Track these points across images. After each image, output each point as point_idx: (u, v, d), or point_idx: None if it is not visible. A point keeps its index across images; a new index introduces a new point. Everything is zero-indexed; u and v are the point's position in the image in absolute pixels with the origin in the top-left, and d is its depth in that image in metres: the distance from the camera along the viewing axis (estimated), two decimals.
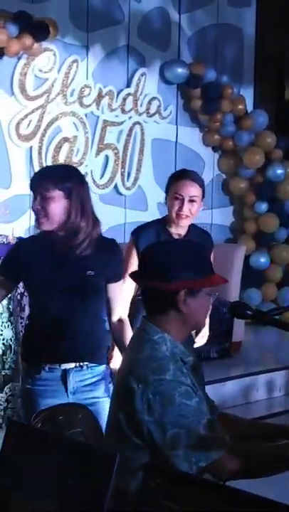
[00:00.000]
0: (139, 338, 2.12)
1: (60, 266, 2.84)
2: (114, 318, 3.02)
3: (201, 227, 3.77)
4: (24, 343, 3.11)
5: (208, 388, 4.93)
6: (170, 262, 2.05)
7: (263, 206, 7.90)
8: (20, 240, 4.12)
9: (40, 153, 6.61)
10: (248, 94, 8.21)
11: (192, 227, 3.65)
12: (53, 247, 2.86)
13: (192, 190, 3.53)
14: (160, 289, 2.04)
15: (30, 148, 6.59)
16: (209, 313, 2.27)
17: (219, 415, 2.27)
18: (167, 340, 2.06)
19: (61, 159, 6.68)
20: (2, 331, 4.36)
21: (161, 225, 3.62)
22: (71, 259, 2.84)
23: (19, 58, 6.35)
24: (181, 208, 3.50)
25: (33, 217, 2.89)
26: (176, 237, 3.54)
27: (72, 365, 2.85)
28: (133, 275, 2.22)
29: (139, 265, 2.20)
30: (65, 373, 2.85)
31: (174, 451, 1.91)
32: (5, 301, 4.19)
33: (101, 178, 7.11)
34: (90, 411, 2.41)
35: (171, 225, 3.58)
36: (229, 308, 5.15)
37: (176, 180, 3.58)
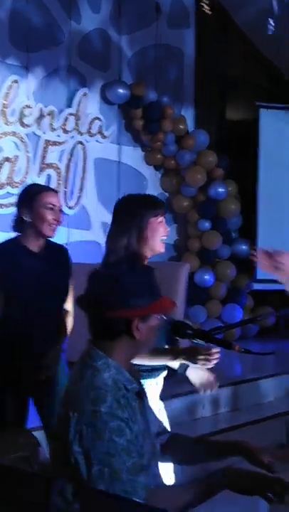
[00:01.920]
0: (83, 363, 2.08)
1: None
2: None
3: (57, 243, 3.66)
4: None
5: None
6: (121, 289, 2.02)
7: (206, 224, 7.99)
8: None
9: None
10: (188, 114, 8.31)
11: (48, 243, 3.54)
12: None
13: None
14: (112, 317, 2.02)
15: None
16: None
17: (171, 436, 2.27)
18: (111, 367, 2.03)
19: (2, 179, 6.63)
20: None
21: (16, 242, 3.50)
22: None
23: None
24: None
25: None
26: (34, 250, 3.45)
27: None
28: (79, 301, 2.14)
29: (87, 291, 2.12)
30: None
31: (96, 486, 1.90)
32: None
33: None
34: (34, 437, 2.38)
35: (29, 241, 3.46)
36: (171, 328, 5.17)
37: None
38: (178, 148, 7.91)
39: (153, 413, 2.25)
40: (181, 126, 7.89)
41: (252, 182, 8.40)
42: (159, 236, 2.95)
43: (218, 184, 8.02)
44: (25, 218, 3.40)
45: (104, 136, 7.56)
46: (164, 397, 5.23)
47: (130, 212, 2.93)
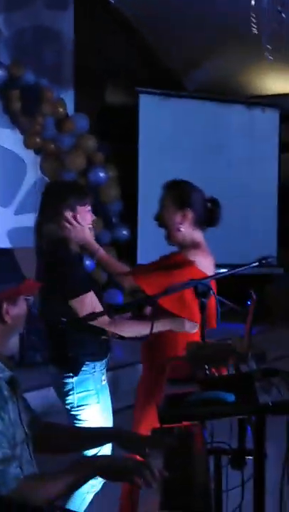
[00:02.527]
0: None
1: None
2: None
3: None
4: None
5: (34, 394, 4.95)
6: None
7: None
8: None
9: None
10: (68, 97, 8.22)
11: None
12: None
13: None
14: None
15: None
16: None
17: (44, 425, 2.25)
18: None
19: None
20: None
21: None
22: None
23: None
24: None
25: None
26: None
27: None
28: None
29: None
30: None
31: None
32: None
33: None
34: None
35: None
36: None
37: None
38: (57, 132, 7.81)
39: (26, 401, 2.22)
40: (60, 110, 7.80)
41: (132, 167, 8.44)
42: (87, 224, 3.03)
43: (99, 169, 8.00)
44: None
45: None
46: (43, 384, 5.20)
47: (59, 200, 2.99)
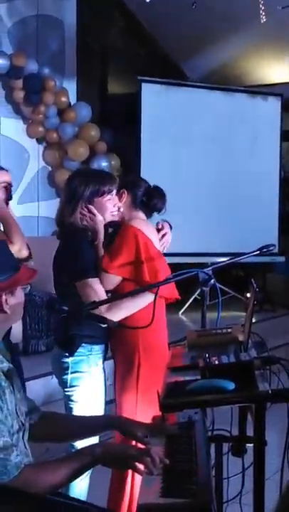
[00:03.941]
0: None
1: None
2: None
3: None
4: None
5: (36, 382, 4.98)
6: None
7: None
8: None
9: None
10: (70, 86, 8.22)
11: None
12: None
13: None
14: None
15: None
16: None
17: (44, 414, 2.27)
18: None
19: None
20: None
21: None
22: None
23: None
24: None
25: None
26: None
27: None
28: None
29: None
30: None
31: None
32: None
33: None
34: None
35: None
36: (45, 305, 5.17)
37: None
38: (60, 121, 7.82)
39: (23, 392, 2.24)
40: (63, 99, 7.80)
41: (134, 156, 8.44)
42: (108, 212, 3.14)
43: (101, 158, 8.01)
44: None
45: None
46: (45, 373, 5.21)
47: (76, 191, 3.11)
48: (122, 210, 3.23)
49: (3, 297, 2.06)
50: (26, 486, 1.91)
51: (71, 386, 3.08)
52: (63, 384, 3.11)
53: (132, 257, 3.09)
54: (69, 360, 3.06)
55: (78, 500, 2.60)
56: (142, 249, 3.10)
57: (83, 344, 3.04)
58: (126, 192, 3.26)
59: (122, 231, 3.15)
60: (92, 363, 3.09)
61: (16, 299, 2.11)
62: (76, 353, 3.04)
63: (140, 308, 3.07)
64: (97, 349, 3.11)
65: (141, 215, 3.30)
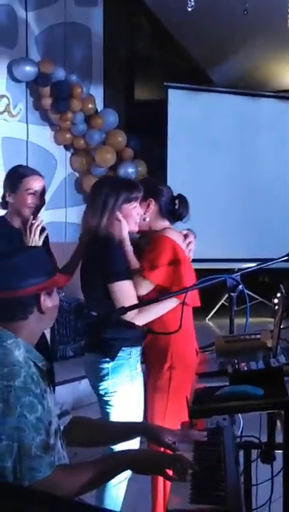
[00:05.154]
0: None
1: None
2: None
3: None
4: None
5: (64, 387, 5.01)
6: (21, 270, 2.06)
7: None
8: None
9: None
10: (97, 93, 8.27)
11: None
12: None
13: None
14: (20, 296, 2.05)
15: None
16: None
17: (73, 419, 2.28)
18: (21, 345, 2.04)
19: None
20: None
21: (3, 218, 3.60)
22: None
23: None
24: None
25: None
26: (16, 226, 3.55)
27: None
28: None
29: None
30: None
31: (3, 462, 1.90)
32: None
33: None
34: None
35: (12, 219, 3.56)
36: (74, 310, 5.18)
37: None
38: (87, 128, 7.86)
39: (54, 395, 2.27)
40: (90, 106, 7.84)
41: (161, 162, 8.46)
42: (132, 219, 3.12)
43: (128, 164, 8.03)
44: (7, 200, 3.50)
45: (11, 115, 7.42)
46: (73, 378, 5.22)
47: (107, 195, 3.09)
48: (147, 219, 3.23)
49: (42, 297, 2.09)
50: (57, 485, 1.92)
51: (112, 392, 3.03)
52: (102, 390, 3.05)
53: (171, 266, 3.10)
54: (109, 365, 3.01)
55: (105, 509, 2.59)
56: (180, 259, 3.12)
57: (123, 348, 3.01)
58: (153, 201, 3.25)
59: (159, 241, 3.16)
60: (133, 366, 3.05)
61: (53, 301, 2.13)
62: (116, 358, 3.01)
63: (165, 311, 3.08)
64: (136, 352, 3.07)
65: (167, 223, 3.31)
